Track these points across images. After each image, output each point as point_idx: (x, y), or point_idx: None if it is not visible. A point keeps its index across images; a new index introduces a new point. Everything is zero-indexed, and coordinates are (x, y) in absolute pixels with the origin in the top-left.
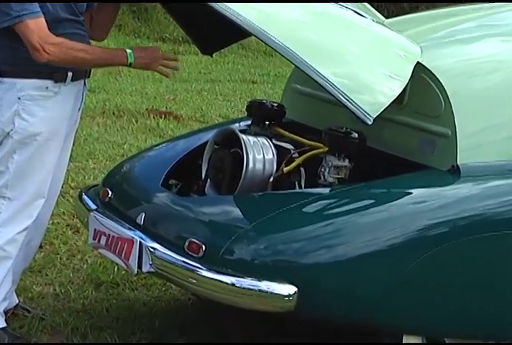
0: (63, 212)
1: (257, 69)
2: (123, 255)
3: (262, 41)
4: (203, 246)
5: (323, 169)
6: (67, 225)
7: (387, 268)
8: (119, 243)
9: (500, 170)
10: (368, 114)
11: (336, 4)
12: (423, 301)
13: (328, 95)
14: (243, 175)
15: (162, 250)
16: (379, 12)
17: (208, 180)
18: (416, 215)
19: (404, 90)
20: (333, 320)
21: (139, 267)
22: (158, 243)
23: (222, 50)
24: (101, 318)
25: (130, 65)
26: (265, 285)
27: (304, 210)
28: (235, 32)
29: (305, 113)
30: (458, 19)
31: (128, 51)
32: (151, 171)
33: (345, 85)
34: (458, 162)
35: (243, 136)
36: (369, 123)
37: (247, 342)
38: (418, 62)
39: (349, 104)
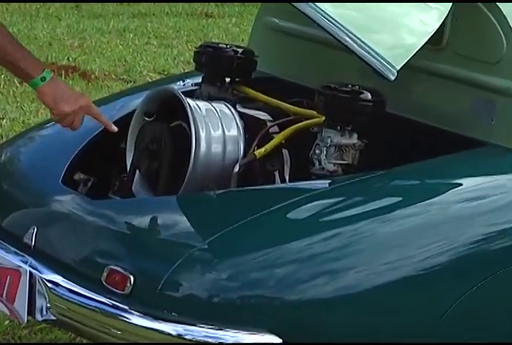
0: None
1: None
2: (4, 295)
3: None
4: (131, 278)
5: (318, 151)
6: None
7: (423, 305)
8: None
9: None
10: (390, 64)
11: None
12: None
13: (322, 34)
14: (191, 163)
15: (67, 285)
16: None
17: (137, 171)
18: (470, 220)
19: (443, 23)
20: None
21: (31, 313)
22: (59, 274)
23: None
24: None
25: (35, 86)
26: (231, 336)
27: (290, 216)
28: None
29: (287, 62)
30: None
31: (47, 70)
32: (46, 160)
33: (350, 20)
34: None
35: (189, 102)
36: (392, 78)
37: None
38: None
39: (359, 49)
